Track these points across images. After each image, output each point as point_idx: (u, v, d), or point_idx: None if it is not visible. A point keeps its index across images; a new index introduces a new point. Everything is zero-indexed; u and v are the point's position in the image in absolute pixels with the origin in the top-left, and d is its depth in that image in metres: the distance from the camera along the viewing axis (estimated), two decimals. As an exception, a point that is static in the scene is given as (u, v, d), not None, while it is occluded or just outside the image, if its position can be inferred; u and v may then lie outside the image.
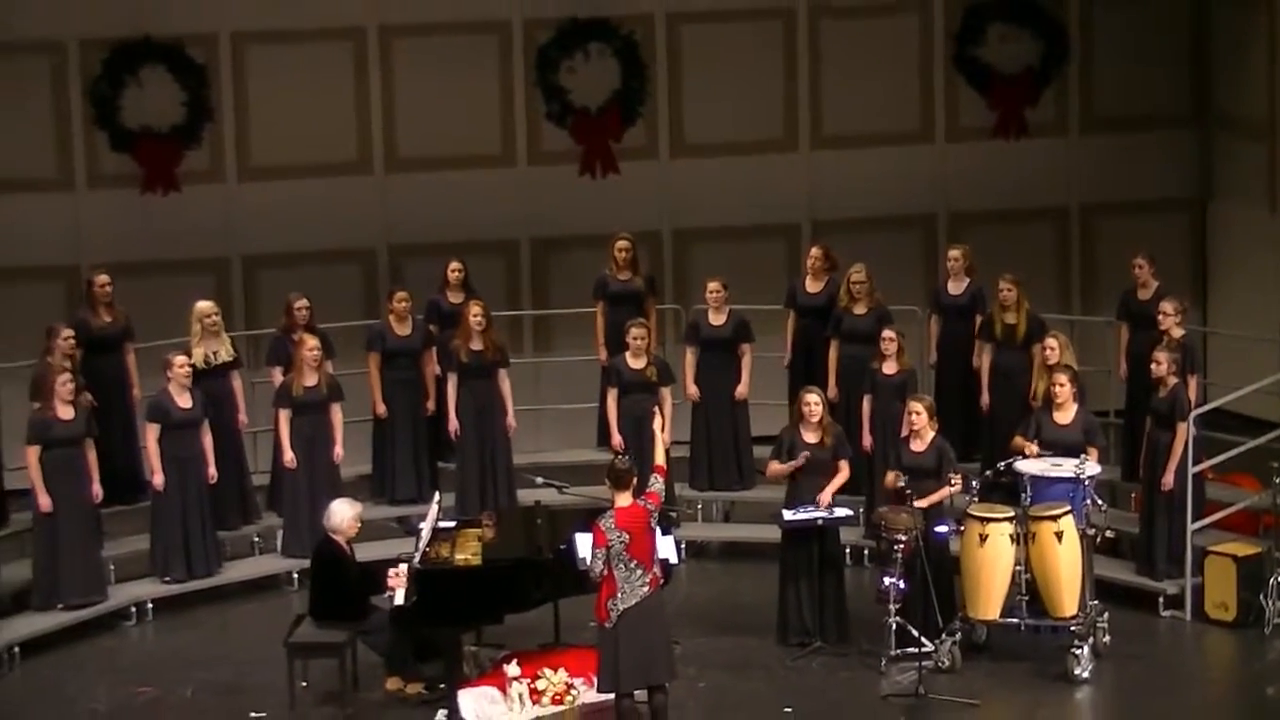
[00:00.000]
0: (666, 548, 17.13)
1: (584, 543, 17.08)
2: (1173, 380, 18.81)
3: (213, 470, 19.81)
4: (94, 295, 20.72)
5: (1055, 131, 25.01)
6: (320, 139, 23.74)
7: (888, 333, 20.06)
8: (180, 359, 19.67)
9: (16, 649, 18.67)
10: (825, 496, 18.35)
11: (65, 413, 19.04)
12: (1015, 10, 24.67)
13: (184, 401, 19.61)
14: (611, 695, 16.33)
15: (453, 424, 20.72)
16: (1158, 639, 18.68)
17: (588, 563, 16.21)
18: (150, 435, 19.55)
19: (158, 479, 19.55)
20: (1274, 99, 23.90)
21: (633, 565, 15.95)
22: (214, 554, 19.97)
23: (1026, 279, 20.85)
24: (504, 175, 24.14)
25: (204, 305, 20.64)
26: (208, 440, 19.79)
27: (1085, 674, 17.64)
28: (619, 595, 15.95)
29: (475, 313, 20.66)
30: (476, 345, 20.66)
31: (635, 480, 16.22)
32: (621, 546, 15.93)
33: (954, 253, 21.43)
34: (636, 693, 16.29)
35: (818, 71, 24.51)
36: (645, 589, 15.98)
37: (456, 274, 21.57)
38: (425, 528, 18.10)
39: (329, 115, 23.78)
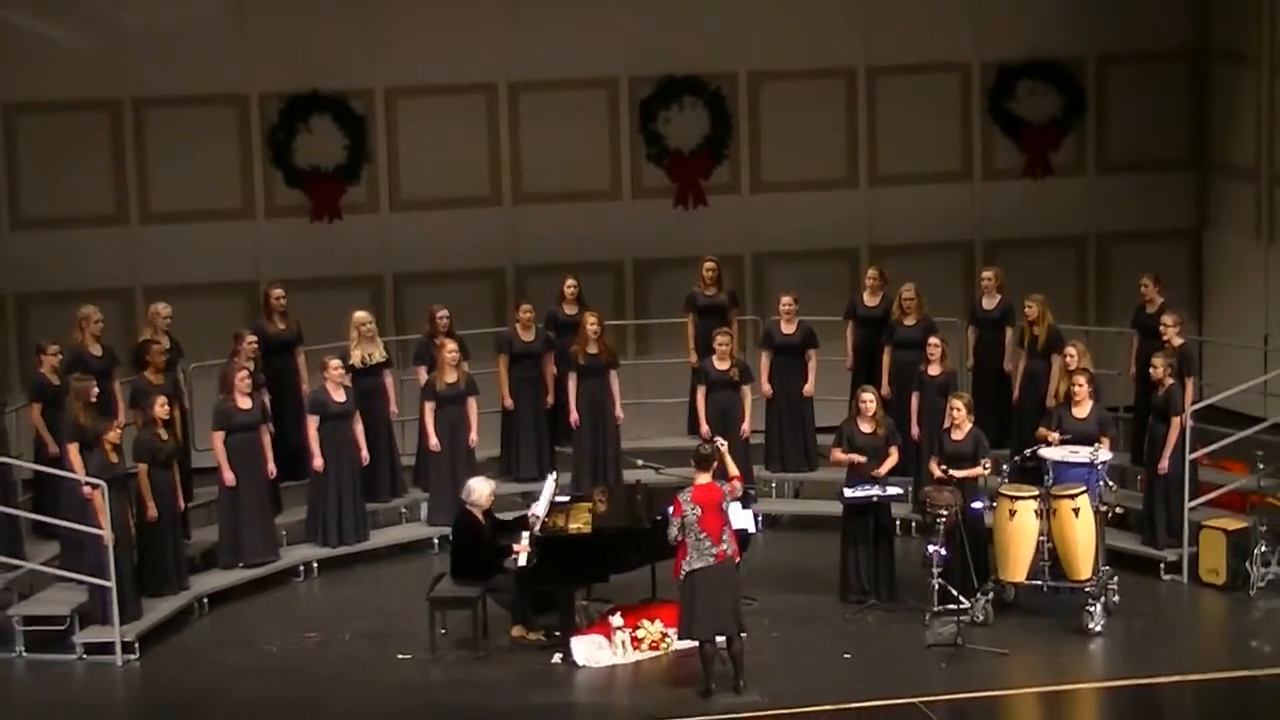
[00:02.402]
0: (745, 519, 17.18)
1: (675, 515, 17.24)
2: (1169, 381, 18.76)
3: (365, 454, 19.90)
4: (271, 306, 20.83)
5: (1075, 172, 24.89)
6: (458, 176, 23.79)
7: (933, 340, 20.07)
8: (334, 362, 19.75)
9: (205, 599, 18.82)
10: (880, 472, 18.39)
11: (244, 403, 19.17)
12: (1041, 70, 24.57)
13: (339, 396, 19.70)
14: (698, 643, 16.46)
15: (573, 416, 20.75)
16: (1159, 599, 18.61)
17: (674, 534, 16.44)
18: (311, 425, 19.64)
19: (317, 461, 19.64)
20: (1260, 147, 23.82)
21: (702, 536, 16.08)
22: (362, 524, 20.04)
23: (1050, 297, 20.85)
24: (611, 207, 24.16)
25: (361, 315, 20.73)
26: (359, 429, 19.86)
27: (1098, 627, 17.62)
28: (689, 558, 16.12)
29: (592, 322, 20.71)
30: (593, 349, 20.70)
31: (716, 464, 16.37)
32: (695, 518, 16.05)
33: (988, 274, 21.38)
34: (718, 640, 16.39)
35: (874, 121, 24.45)
36: (711, 558, 16.08)
37: (572, 289, 21.62)
38: (544, 501, 18.17)
39: (465, 156, 23.82)
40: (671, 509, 16.29)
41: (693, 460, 16.50)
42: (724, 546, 16.15)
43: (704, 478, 16.30)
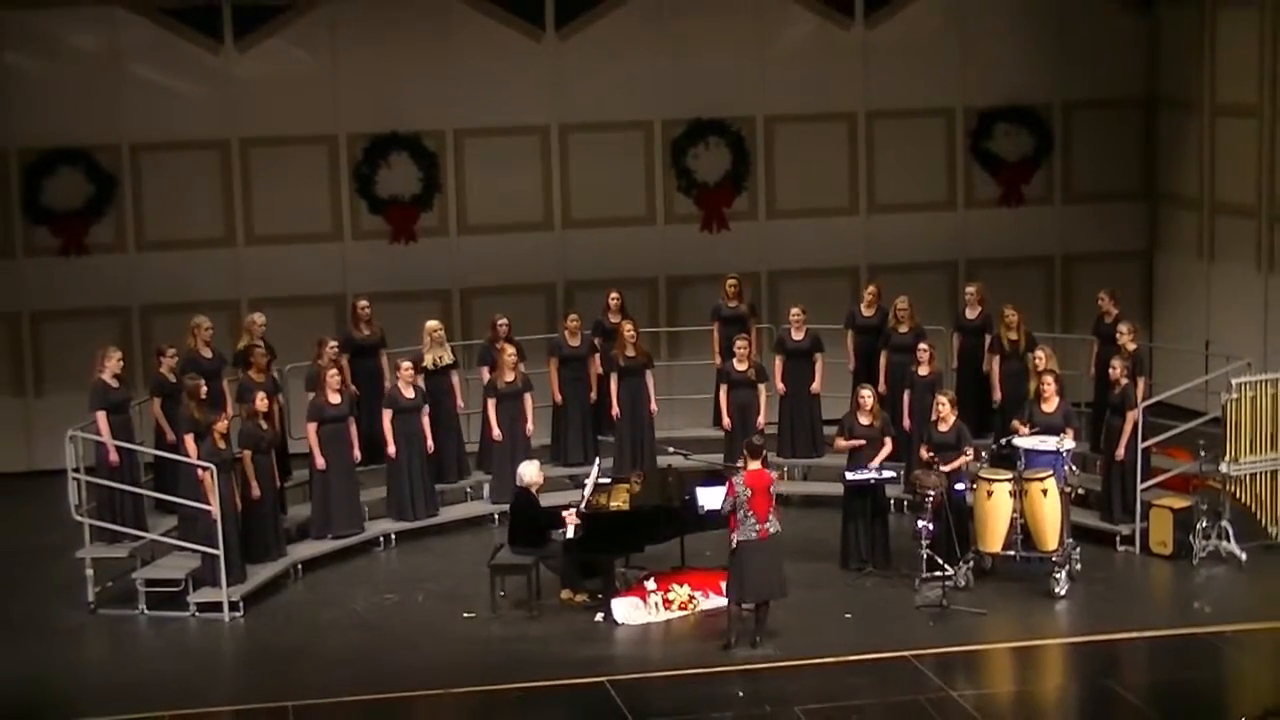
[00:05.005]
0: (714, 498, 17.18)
1: (704, 494, 17.28)
2: (1124, 381, 18.73)
3: (430, 444, 19.84)
4: (357, 315, 20.83)
5: (1044, 202, 24.83)
6: (516, 205, 23.78)
7: (922, 345, 20.02)
8: (405, 364, 19.70)
9: (299, 566, 18.86)
10: (875, 461, 18.36)
11: (334, 399, 19.17)
12: (1015, 115, 24.54)
13: (409, 394, 19.66)
14: (725, 602, 16.51)
15: (614, 410, 20.71)
16: (1115, 567, 18.56)
17: (710, 507, 16.58)
18: (385, 418, 19.60)
19: (391, 449, 19.61)
20: (1202, 180, 23.77)
21: (748, 513, 16.14)
22: (431, 502, 19.99)
23: (1024, 308, 20.82)
24: (647, 231, 24.13)
25: (432, 323, 20.73)
26: (426, 422, 19.79)
27: (1063, 591, 17.58)
28: (739, 531, 16.15)
29: (629, 329, 20.70)
30: (630, 353, 20.68)
31: (765, 453, 16.47)
32: (745, 499, 16.06)
33: (970, 288, 21.33)
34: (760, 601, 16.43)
35: (872, 158, 24.41)
36: (754, 534, 16.09)
37: (615, 300, 21.57)
38: (589, 483, 18.18)
39: (522, 188, 23.82)
40: (726, 488, 16.36)
41: (745, 449, 16.58)
42: (768, 525, 16.15)
43: (755, 464, 16.32)
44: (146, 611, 17.82)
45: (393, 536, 19.75)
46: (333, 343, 20.00)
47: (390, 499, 19.86)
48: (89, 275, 22.88)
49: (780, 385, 21.04)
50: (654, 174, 24.10)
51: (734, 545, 16.22)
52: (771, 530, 16.18)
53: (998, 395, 20.39)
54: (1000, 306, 20.55)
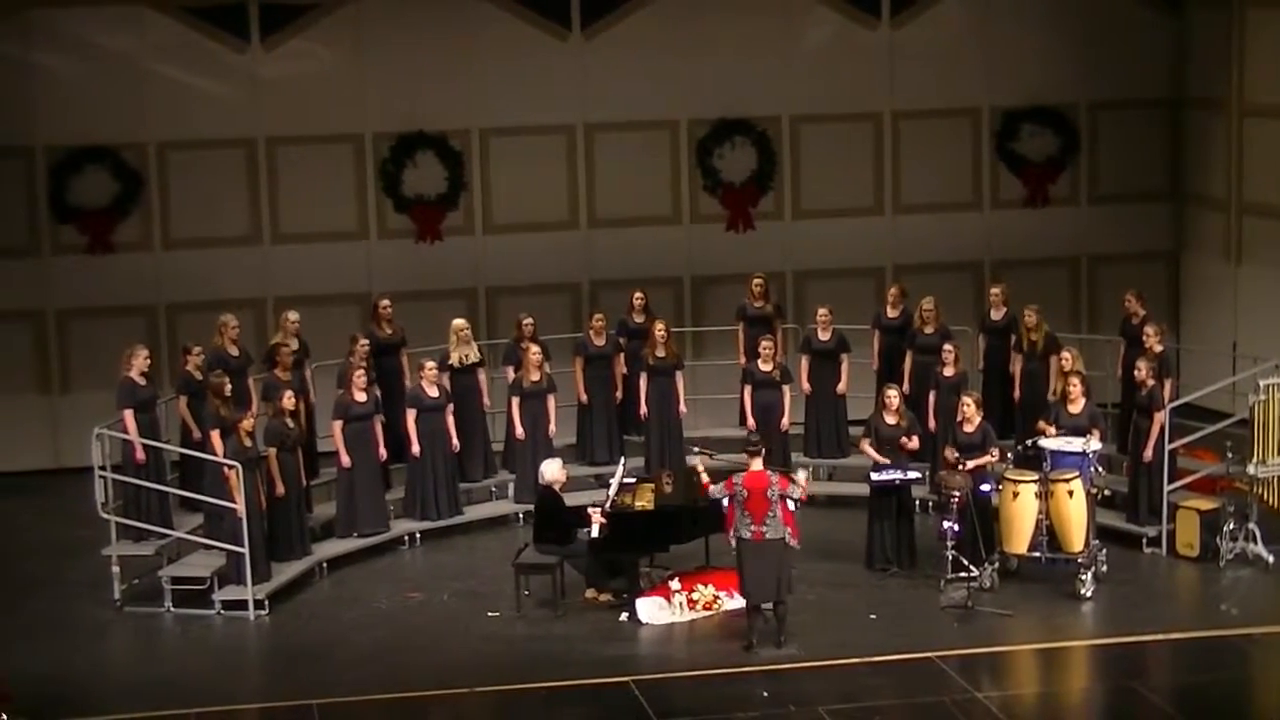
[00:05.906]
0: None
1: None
2: (1150, 382, 18.66)
3: (455, 442, 19.82)
4: (380, 314, 20.82)
5: (1069, 202, 24.76)
6: (541, 204, 23.78)
7: (948, 346, 19.97)
8: (429, 364, 19.68)
9: (325, 564, 18.86)
10: (910, 446, 18.32)
11: (360, 397, 19.18)
12: (1040, 115, 24.48)
13: (432, 392, 19.64)
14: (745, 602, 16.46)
15: (644, 410, 20.69)
16: (1141, 569, 18.49)
17: (716, 495, 16.58)
18: (409, 417, 19.60)
19: (415, 448, 19.60)
20: (1229, 181, 23.69)
21: (745, 513, 16.18)
22: (454, 502, 19.96)
23: (1047, 309, 20.77)
24: (673, 230, 24.11)
25: (458, 321, 20.72)
26: (450, 420, 19.79)
27: (1088, 593, 17.52)
28: (735, 528, 16.24)
29: (660, 329, 20.69)
30: (661, 353, 20.66)
31: (764, 452, 16.38)
32: (742, 498, 16.06)
33: (995, 289, 21.28)
34: (763, 603, 16.38)
35: (898, 158, 24.36)
36: (749, 534, 16.08)
37: (640, 300, 21.57)
38: (614, 482, 18.16)
39: (548, 187, 23.82)
40: (724, 483, 16.35)
41: (745, 450, 16.54)
42: (764, 529, 16.11)
43: (756, 464, 16.29)
44: (172, 609, 17.84)
45: (417, 535, 19.74)
46: (364, 340, 20.01)
47: (409, 498, 19.85)
48: (115, 273, 22.93)
49: (806, 385, 21.00)
50: (679, 173, 24.07)
51: (734, 542, 16.24)
52: (768, 535, 16.15)
53: (1018, 395, 20.35)
54: (1024, 307, 20.49)
